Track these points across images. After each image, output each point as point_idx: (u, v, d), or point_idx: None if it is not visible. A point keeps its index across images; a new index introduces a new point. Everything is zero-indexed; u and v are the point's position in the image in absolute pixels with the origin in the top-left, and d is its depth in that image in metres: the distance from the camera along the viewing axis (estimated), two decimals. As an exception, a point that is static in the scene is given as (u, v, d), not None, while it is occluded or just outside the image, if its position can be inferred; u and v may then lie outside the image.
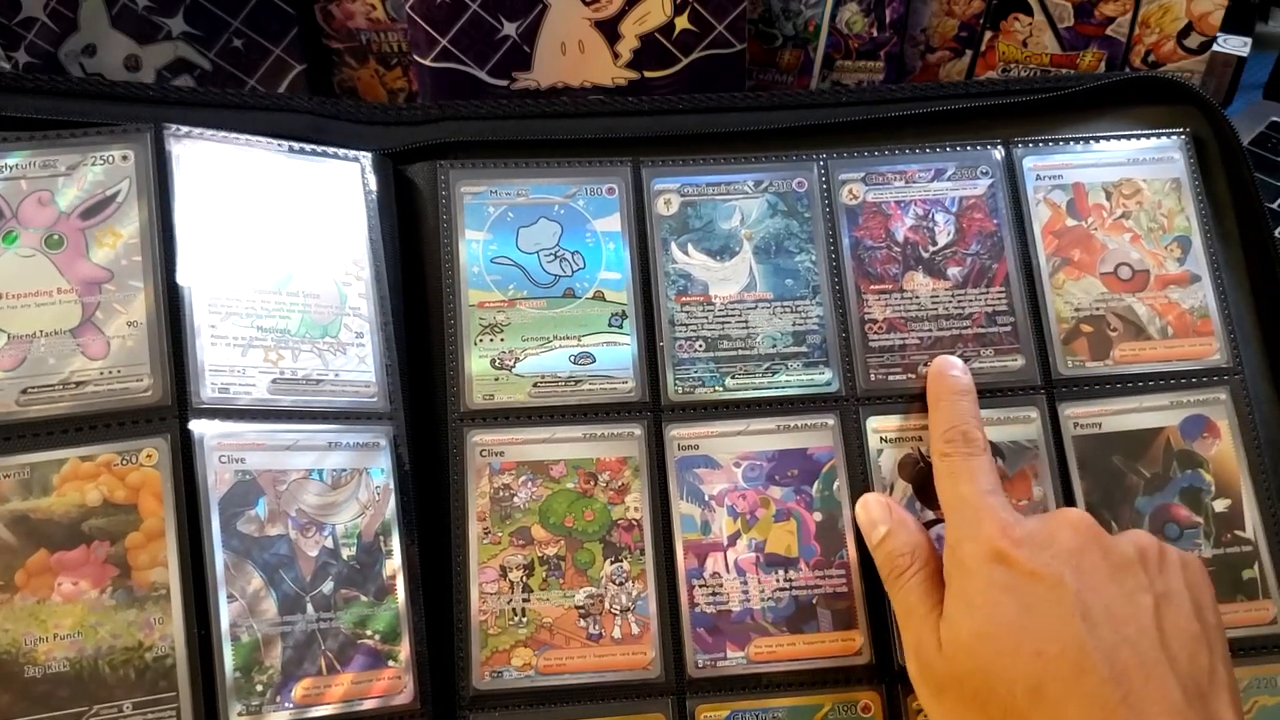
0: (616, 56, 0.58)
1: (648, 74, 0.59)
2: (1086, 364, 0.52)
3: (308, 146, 0.51)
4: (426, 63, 0.58)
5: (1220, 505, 0.50)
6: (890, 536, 0.47)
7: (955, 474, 0.46)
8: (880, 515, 0.48)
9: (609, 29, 0.57)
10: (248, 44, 0.60)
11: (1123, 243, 0.53)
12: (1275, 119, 0.77)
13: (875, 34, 0.64)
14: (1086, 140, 0.55)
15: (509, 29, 0.57)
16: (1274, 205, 0.72)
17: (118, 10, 0.58)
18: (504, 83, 0.59)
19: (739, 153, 0.54)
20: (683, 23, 0.57)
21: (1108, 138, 0.55)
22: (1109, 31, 0.64)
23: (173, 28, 0.59)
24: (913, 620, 0.44)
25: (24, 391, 0.43)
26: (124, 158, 0.46)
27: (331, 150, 0.51)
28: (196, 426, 0.44)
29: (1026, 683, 0.39)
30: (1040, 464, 0.50)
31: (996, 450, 0.50)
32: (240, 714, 0.42)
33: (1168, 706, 0.38)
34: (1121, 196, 0.54)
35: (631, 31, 0.57)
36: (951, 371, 0.50)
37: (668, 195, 0.54)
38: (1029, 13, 0.64)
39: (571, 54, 0.58)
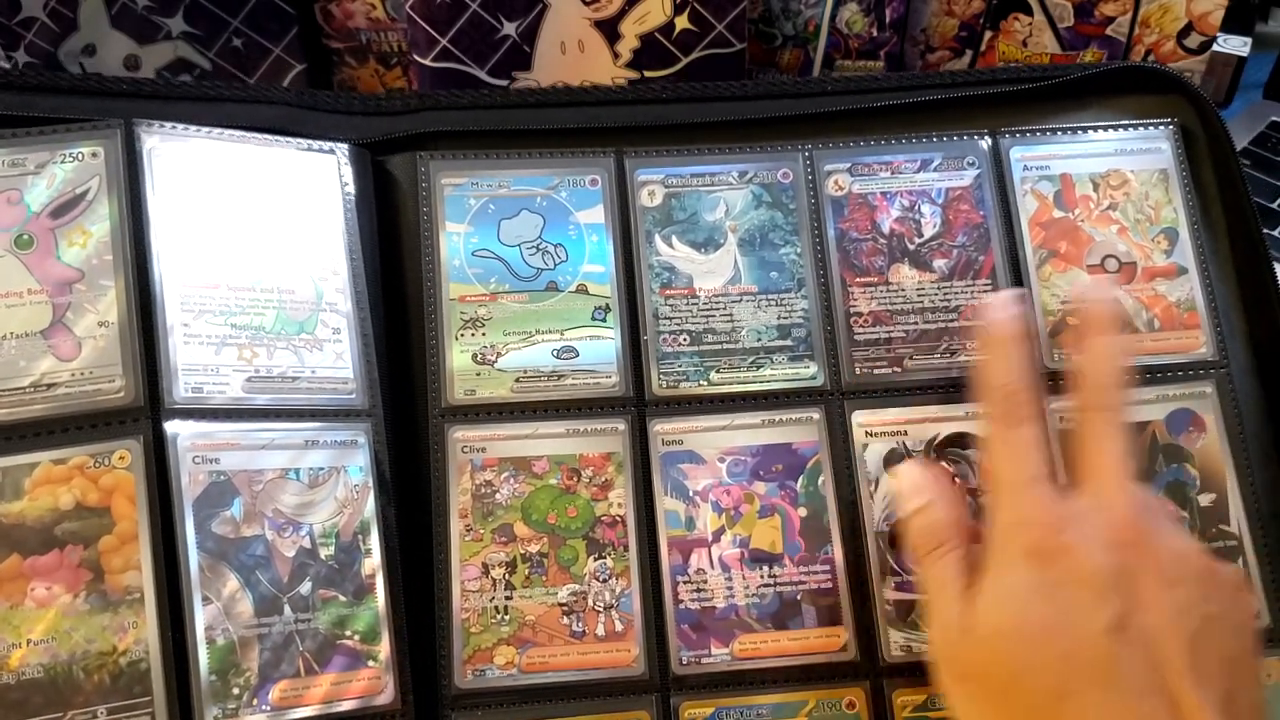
0: (616, 56, 0.57)
1: (648, 74, 0.58)
2: (1073, 357, 0.51)
3: (282, 139, 0.50)
4: (426, 62, 0.57)
5: (1205, 500, 0.50)
6: (931, 509, 0.44)
7: (1001, 448, 0.43)
8: (922, 484, 0.45)
9: (609, 29, 0.57)
10: (247, 44, 0.60)
11: (1110, 234, 0.53)
12: (1275, 119, 0.76)
13: (875, 34, 0.63)
14: (1074, 130, 0.54)
15: (509, 29, 0.56)
16: (1274, 205, 0.71)
17: (117, 10, 0.58)
18: (504, 82, 0.58)
19: (724, 142, 0.54)
20: (683, 22, 0.57)
21: (1095, 128, 0.54)
22: (1109, 31, 0.64)
23: (172, 27, 0.59)
24: (944, 597, 0.43)
25: (-6, 394, 0.42)
26: (93, 154, 0.45)
27: (307, 142, 0.50)
28: (170, 427, 0.43)
29: (1053, 686, 0.39)
30: (1026, 459, 0.50)
31: (982, 444, 0.50)
32: (217, 718, 0.42)
33: None
34: (1109, 187, 0.53)
35: (631, 31, 0.57)
36: (1001, 313, 0.45)
37: (651, 186, 0.53)
38: (1029, 12, 0.64)
39: (571, 54, 0.57)
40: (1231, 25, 0.71)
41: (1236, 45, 0.73)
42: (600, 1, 0.56)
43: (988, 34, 0.65)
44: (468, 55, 0.57)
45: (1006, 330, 0.45)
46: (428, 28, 0.56)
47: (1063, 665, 0.39)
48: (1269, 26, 0.82)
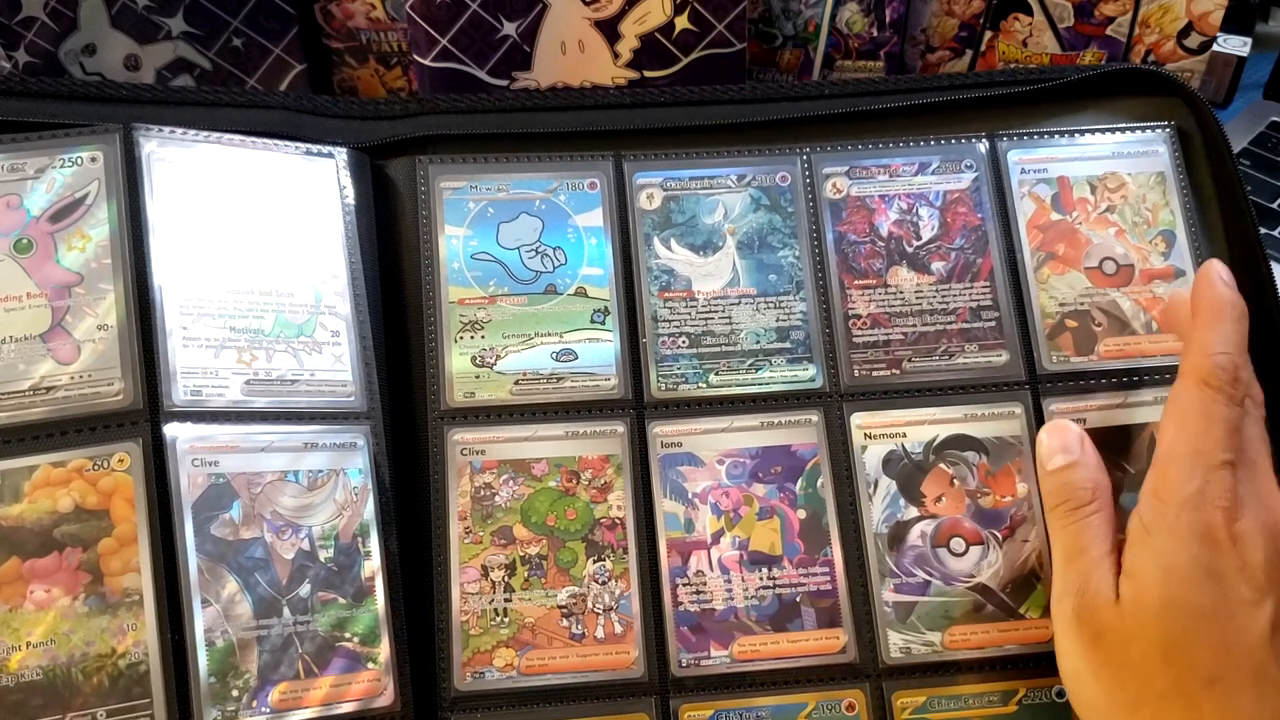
0: (616, 56, 0.58)
1: (648, 74, 0.59)
2: (1071, 359, 0.51)
3: (281, 143, 0.50)
4: (426, 62, 0.57)
5: (1204, 501, 0.50)
6: (1078, 467, 0.45)
7: (1201, 420, 0.41)
8: (1071, 444, 0.46)
9: (609, 29, 0.57)
10: (247, 43, 0.60)
11: (1107, 237, 0.53)
12: (1275, 119, 0.76)
13: (875, 34, 0.64)
14: (1071, 133, 0.54)
15: (509, 29, 0.56)
16: (1274, 205, 0.71)
17: (117, 10, 0.58)
18: (504, 83, 0.58)
19: (722, 146, 0.54)
20: (683, 22, 0.57)
21: (1092, 131, 0.54)
22: (1109, 31, 0.64)
23: (172, 27, 0.59)
24: (1082, 560, 0.43)
25: (-7, 397, 0.43)
26: (93, 159, 0.46)
27: (305, 146, 0.50)
28: (169, 430, 0.43)
29: (1206, 670, 0.39)
30: (1025, 460, 0.50)
31: (980, 446, 0.50)
32: (216, 720, 0.42)
33: None
34: (1106, 190, 0.53)
35: (631, 31, 0.57)
36: (1225, 283, 0.44)
37: (650, 190, 0.53)
38: (1029, 12, 0.64)
39: (571, 54, 0.58)
40: (1231, 25, 0.71)
41: (1236, 45, 0.73)
42: (600, 1, 0.56)
43: (988, 34, 0.65)
44: (468, 55, 0.57)
45: (1231, 300, 0.43)
46: (428, 28, 0.56)
47: (1220, 653, 0.39)
48: (1269, 26, 0.82)
